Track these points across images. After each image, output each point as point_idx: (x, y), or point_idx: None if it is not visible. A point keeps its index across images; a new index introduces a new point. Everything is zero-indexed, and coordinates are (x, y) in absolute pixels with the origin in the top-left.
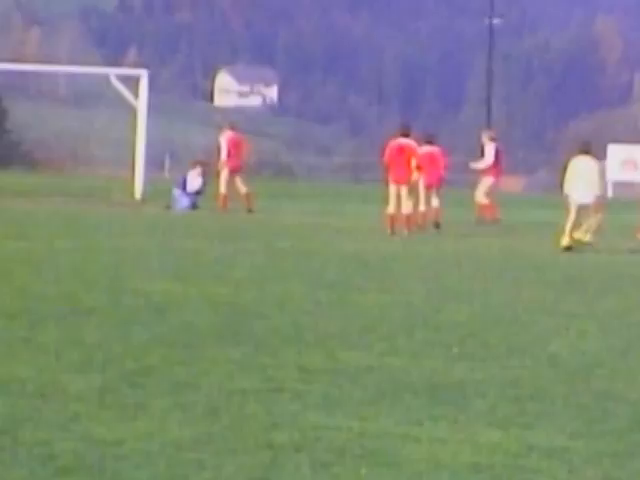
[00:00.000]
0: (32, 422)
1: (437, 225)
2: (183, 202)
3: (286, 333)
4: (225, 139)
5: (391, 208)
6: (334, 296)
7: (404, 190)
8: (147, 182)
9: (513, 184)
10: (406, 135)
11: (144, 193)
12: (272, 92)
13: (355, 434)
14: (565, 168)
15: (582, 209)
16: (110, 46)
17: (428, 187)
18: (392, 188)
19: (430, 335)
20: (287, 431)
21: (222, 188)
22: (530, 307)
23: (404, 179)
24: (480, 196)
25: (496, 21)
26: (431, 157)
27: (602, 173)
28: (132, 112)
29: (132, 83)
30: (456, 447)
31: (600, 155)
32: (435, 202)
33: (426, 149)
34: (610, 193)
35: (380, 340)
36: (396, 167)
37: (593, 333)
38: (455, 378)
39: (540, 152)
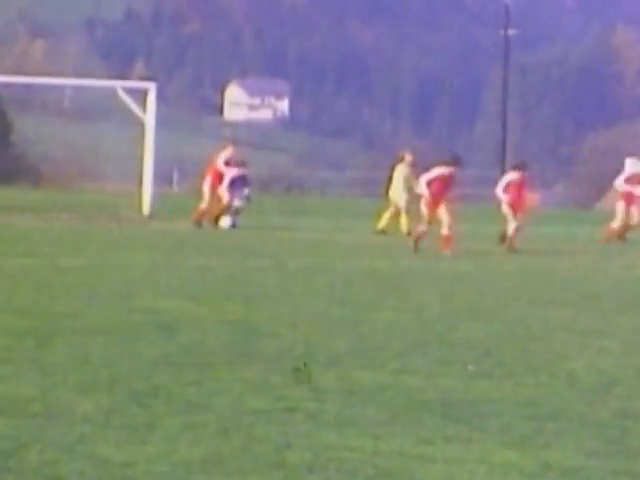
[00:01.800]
0: (38, 443)
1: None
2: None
3: (298, 352)
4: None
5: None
6: (347, 314)
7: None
8: (155, 197)
9: (530, 199)
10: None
11: (152, 208)
12: (283, 105)
13: (369, 454)
14: None
15: None
16: (117, 58)
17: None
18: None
19: (445, 353)
20: (300, 451)
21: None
22: (547, 324)
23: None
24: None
25: (512, 32)
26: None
27: None
28: (140, 126)
29: (140, 96)
30: (471, 467)
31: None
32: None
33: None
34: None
35: (394, 358)
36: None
37: (611, 351)
38: (470, 397)
39: (556, 166)
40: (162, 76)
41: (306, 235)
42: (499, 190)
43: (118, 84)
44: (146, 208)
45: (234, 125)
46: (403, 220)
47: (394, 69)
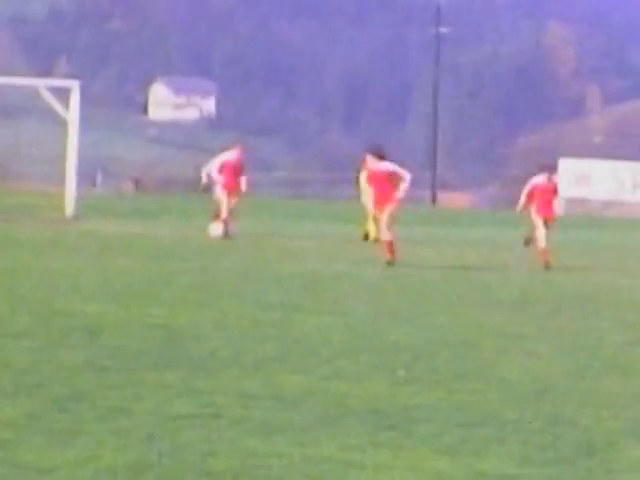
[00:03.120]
0: None
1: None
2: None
3: (224, 356)
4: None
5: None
6: (274, 318)
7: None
8: (78, 198)
9: (460, 200)
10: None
11: (76, 209)
12: (210, 104)
13: (296, 461)
14: None
15: None
16: (40, 56)
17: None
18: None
19: (374, 358)
20: (225, 458)
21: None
22: (478, 329)
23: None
24: None
25: (443, 30)
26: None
27: None
28: (63, 125)
29: (63, 94)
30: (401, 474)
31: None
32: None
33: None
34: (562, 211)
35: (322, 363)
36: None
37: (543, 355)
38: (400, 403)
39: (489, 167)
40: (86, 74)
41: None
42: (522, 197)
43: (41, 82)
44: (69, 209)
45: (159, 124)
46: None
47: (322, 68)
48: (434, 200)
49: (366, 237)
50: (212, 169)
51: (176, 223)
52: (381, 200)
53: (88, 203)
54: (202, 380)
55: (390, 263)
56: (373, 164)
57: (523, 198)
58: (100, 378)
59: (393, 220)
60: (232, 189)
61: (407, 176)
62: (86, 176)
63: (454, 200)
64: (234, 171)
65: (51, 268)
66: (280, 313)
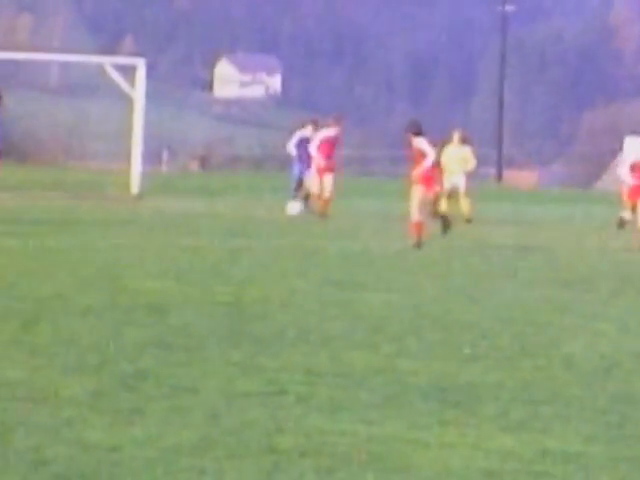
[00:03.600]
0: (24, 427)
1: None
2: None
3: (290, 334)
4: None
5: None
6: (340, 295)
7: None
8: (144, 176)
9: (527, 178)
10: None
11: (141, 187)
12: (275, 81)
13: (361, 439)
14: None
15: None
16: (105, 33)
17: None
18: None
19: (440, 336)
20: (291, 435)
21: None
22: (544, 307)
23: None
24: None
25: (509, 8)
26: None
27: None
28: (128, 103)
29: (129, 72)
30: (467, 452)
31: (616, 148)
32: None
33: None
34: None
35: (388, 341)
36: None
37: (610, 334)
38: (466, 381)
39: (555, 145)
40: (152, 52)
41: (298, 214)
42: (624, 172)
43: (106, 60)
44: (135, 187)
45: (225, 102)
46: (464, 204)
47: (388, 46)
48: (500, 178)
49: (469, 220)
50: (312, 148)
51: (242, 201)
52: (416, 176)
53: (153, 181)
54: (268, 358)
55: (417, 246)
56: (413, 141)
57: (626, 171)
58: (165, 356)
59: (423, 201)
60: (328, 167)
61: (429, 159)
62: (152, 154)
63: (520, 178)
64: (331, 148)
65: (117, 246)
66: (346, 291)
